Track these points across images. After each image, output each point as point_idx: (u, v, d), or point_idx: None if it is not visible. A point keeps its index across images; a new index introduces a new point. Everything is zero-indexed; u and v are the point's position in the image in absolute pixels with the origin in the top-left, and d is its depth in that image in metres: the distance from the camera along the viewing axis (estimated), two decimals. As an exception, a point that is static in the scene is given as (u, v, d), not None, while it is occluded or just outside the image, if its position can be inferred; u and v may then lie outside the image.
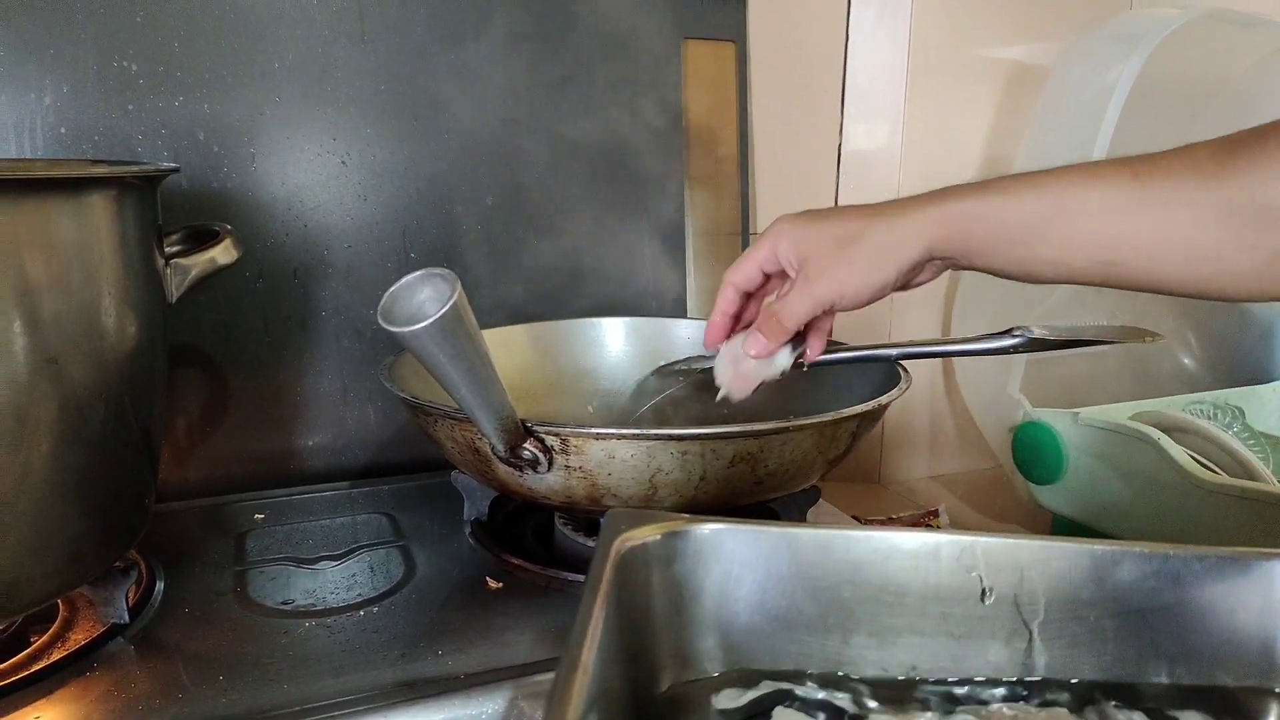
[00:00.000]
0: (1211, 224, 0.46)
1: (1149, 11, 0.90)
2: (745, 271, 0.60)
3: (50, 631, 0.53)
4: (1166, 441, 0.77)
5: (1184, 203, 0.47)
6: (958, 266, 0.55)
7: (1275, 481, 0.77)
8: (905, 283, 0.56)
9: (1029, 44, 1.04)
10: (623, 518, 0.41)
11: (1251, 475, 0.77)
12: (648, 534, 0.41)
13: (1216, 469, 0.78)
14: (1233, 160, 0.45)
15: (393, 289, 0.43)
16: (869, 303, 0.56)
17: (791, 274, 0.58)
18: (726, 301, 0.62)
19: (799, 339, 0.59)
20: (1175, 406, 0.90)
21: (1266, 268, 0.46)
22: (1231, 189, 0.45)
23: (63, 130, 0.68)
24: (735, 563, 0.41)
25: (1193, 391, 0.99)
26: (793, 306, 0.57)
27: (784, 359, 0.59)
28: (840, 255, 0.55)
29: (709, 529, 0.41)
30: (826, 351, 0.64)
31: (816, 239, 0.56)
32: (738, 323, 0.63)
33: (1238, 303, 0.48)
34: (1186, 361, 1.13)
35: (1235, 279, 0.47)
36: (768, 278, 0.61)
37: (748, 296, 0.62)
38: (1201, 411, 0.92)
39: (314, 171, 0.76)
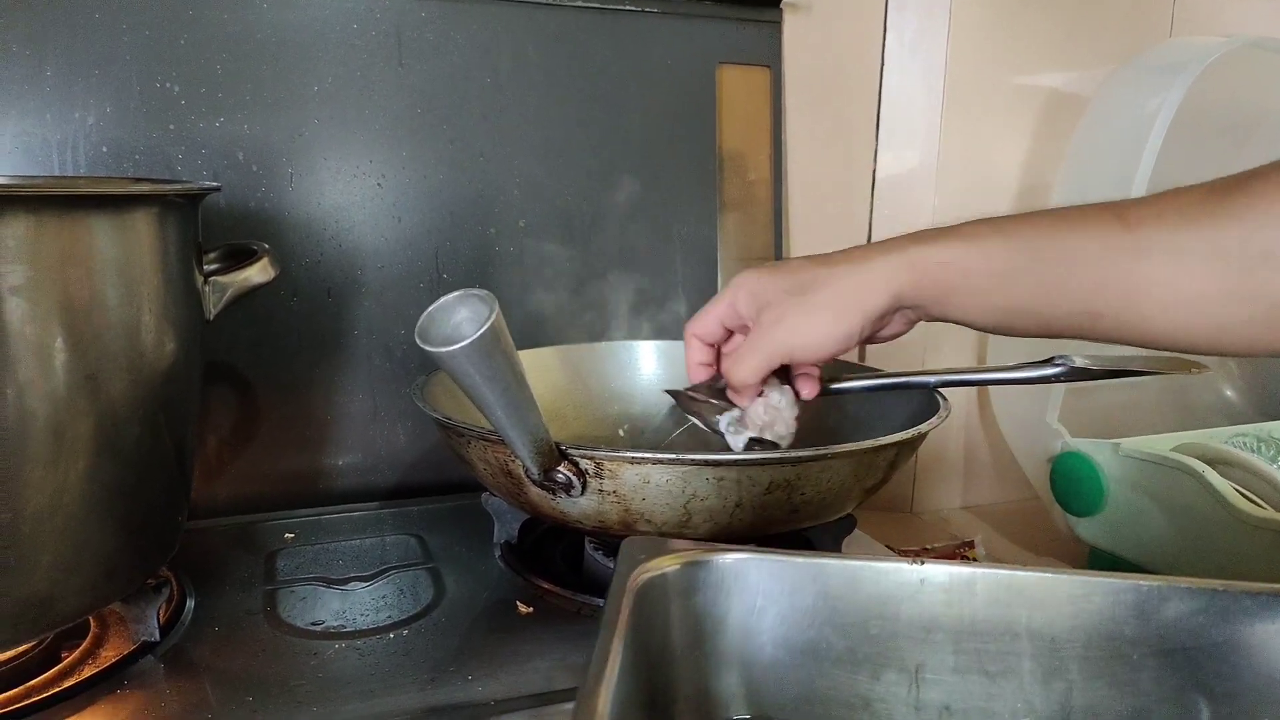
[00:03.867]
0: (1202, 273, 0.43)
1: (1191, 40, 0.89)
2: (705, 325, 0.57)
3: (81, 648, 0.53)
4: (1212, 475, 0.75)
5: (1172, 249, 0.44)
6: (929, 316, 0.52)
7: (1322, 517, 0.75)
8: (872, 334, 0.53)
9: (1065, 72, 1.03)
10: (641, 546, 0.40)
11: (1297, 510, 0.75)
12: (667, 564, 0.39)
13: (1262, 503, 0.76)
14: (1226, 204, 0.43)
15: (430, 309, 0.43)
16: (831, 356, 0.52)
17: (750, 325, 0.55)
18: (696, 352, 0.59)
19: (787, 376, 0.57)
20: (1218, 438, 0.87)
21: (1261, 319, 0.43)
22: (1223, 235, 0.42)
23: (104, 149, 0.69)
24: (759, 595, 0.40)
25: (1234, 423, 0.97)
26: (743, 361, 0.53)
27: (778, 399, 0.56)
28: (798, 303, 0.52)
29: (731, 559, 0.40)
30: (865, 378, 0.63)
31: (773, 288, 0.53)
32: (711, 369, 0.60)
33: (1230, 356, 0.45)
34: (1228, 393, 1.10)
35: (1226, 331, 0.44)
36: (730, 332, 0.58)
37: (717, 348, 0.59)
38: (1244, 444, 0.90)
39: (350, 192, 0.77)
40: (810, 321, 0.51)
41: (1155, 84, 0.82)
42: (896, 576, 0.40)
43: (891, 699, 0.40)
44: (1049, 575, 0.39)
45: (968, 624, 0.40)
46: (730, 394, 0.56)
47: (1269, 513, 0.73)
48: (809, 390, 0.58)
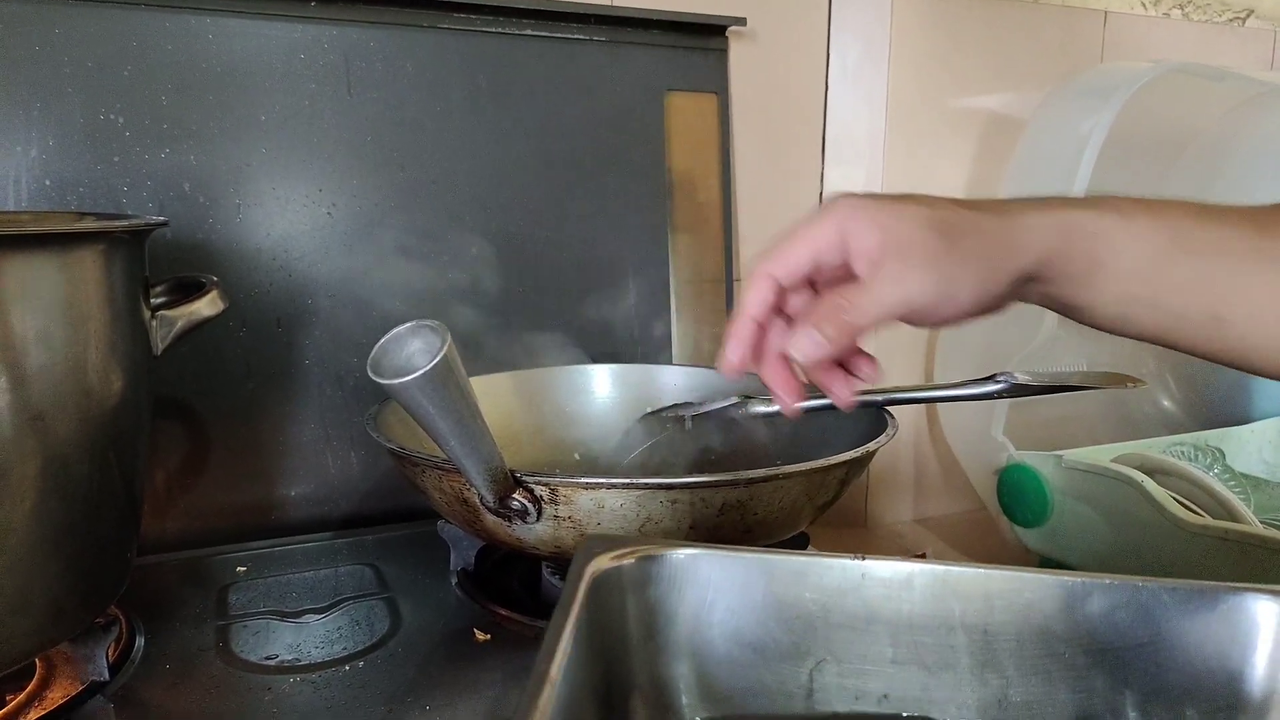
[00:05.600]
0: None
1: (1120, 65, 0.92)
2: (793, 260, 0.45)
3: (27, 690, 0.52)
4: (1149, 484, 0.78)
5: None
6: (1054, 298, 0.45)
7: (1256, 522, 0.78)
8: (998, 305, 0.45)
9: (1003, 95, 1.06)
10: (598, 541, 0.42)
11: (1233, 516, 0.78)
12: (623, 558, 0.41)
13: (1199, 510, 0.78)
14: None
15: (382, 341, 0.43)
16: (965, 320, 0.44)
17: (860, 270, 0.44)
18: (758, 303, 0.46)
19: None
20: (1156, 448, 0.90)
21: None
22: None
23: (48, 182, 0.68)
24: (710, 588, 0.42)
25: (1173, 433, 1.00)
26: (874, 298, 0.42)
27: None
28: (948, 247, 0.42)
29: (684, 554, 0.42)
30: (814, 398, 0.64)
31: (908, 224, 0.43)
32: (763, 334, 0.48)
33: None
34: (1166, 404, 1.14)
35: None
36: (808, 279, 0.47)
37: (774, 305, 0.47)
38: (1182, 453, 0.93)
39: (299, 222, 0.77)
40: (961, 273, 0.42)
41: (1088, 107, 0.85)
42: (840, 572, 0.41)
43: (833, 689, 0.42)
44: (981, 571, 0.41)
45: (905, 617, 0.41)
46: (820, 330, 0.43)
47: (1205, 520, 0.75)
48: (843, 395, 0.50)
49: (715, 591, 0.41)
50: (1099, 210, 0.44)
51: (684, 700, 0.41)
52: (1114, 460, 0.84)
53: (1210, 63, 0.90)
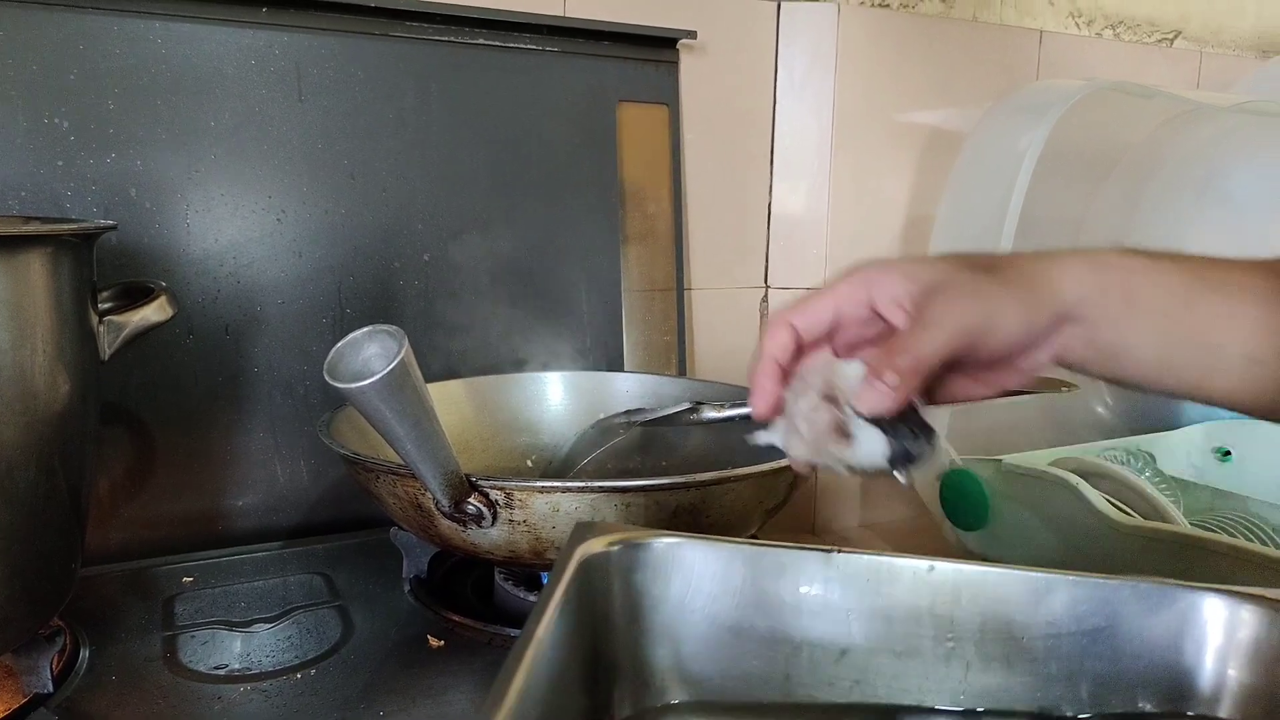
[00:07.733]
0: None
1: (1054, 82, 0.96)
2: (814, 313, 0.45)
3: (-34, 704, 0.51)
4: (1084, 486, 0.80)
5: None
6: (1090, 342, 0.44)
7: (1185, 523, 0.81)
8: (1041, 343, 0.44)
9: (944, 110, 1.09)
10: (589, 527, 0.43)
11: (1163, 517, 0.81)
12: (610, 543, 0.43)
13: (1131, 511, 0.81)
14: None
15: (339, 345, 0.43)
16: (1015, 349, 0.43)
17: (897, 319, 0.44)
18: (779, 346, 0.45)
19: (915, 426, 0.44)
20: (1091, 453, 0.93)
21: None
22: None
23: (-12, 186, 0.67)
24: (693, 575, 0.43)
25: (1106, 438, 1.03)
26: (928, 334, 0.42)
27: (878, 447, 0.44)
28: (987, 280, 0.43)
29: (669, 542, 0.43)
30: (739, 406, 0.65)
31: (942, 269, 0.43)
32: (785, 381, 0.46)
33: None
34: (1100, 410, 1.17)
35: None
36: (828, 334, 0.46)
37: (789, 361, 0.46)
38: (1115, 457, 0.96)
39: (248, 228, 0.76)
40: (1004, 299, 0.42)
41: (1024, 123, 0.88)
42: (816, 563, 0.43)
43: (806, 674, 0.44)
44: (950, 565, 0.43)
45: (880, 608, 0.43)
46: (886, 379, 0.42)
47: (1137, 520, 0.78)
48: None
49: (698, 578, 0.43)
50: (1126, 251, 0.44)
51: (664, 681, 0.43)
52: (1051, 464, 0.86)
53: (1140, 81, 0.94)
